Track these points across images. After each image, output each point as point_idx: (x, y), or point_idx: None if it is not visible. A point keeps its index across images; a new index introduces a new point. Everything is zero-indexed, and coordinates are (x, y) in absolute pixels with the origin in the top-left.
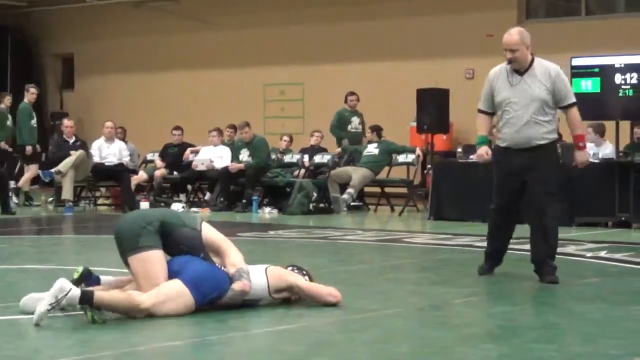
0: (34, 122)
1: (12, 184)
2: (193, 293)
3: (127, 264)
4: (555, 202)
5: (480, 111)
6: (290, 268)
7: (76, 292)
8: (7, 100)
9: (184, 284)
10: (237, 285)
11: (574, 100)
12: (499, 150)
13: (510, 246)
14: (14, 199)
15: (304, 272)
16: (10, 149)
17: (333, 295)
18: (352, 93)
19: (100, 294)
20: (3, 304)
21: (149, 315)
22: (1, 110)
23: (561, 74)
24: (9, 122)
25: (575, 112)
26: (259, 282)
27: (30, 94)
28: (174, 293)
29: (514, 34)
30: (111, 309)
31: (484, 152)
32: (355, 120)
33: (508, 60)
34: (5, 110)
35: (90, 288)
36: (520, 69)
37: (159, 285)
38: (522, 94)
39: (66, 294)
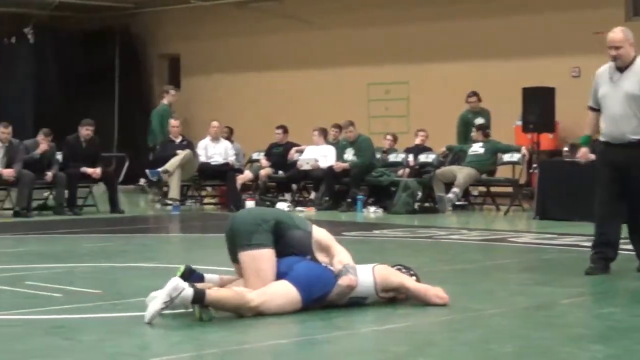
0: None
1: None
2: (300, 291)
3: (235, 260)
4: None
5: (589, 108)
6: (397, 267)
7: (189, 291)
8: (170, 95)
9: (291, 283)
10: (343, 281)
11: None
12: (600, 144)
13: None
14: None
15: (412, 272)
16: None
17: (440, 297)
18: (473, 93)
19: (211, 292)
20: (110, 302)
21: (257, 314)
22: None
23: None
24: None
25: None
26: (365, 279)
27: (171, 95)
28: (281, 291)
29: (618, 32)
30: (221, 307)
31: (582, 154)
32: (479, 121)
33: (612, 57)
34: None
35: (198, 286)
36: (622, 66)
37: (268, 284)
38: (619, 90)
39: (180, 293)
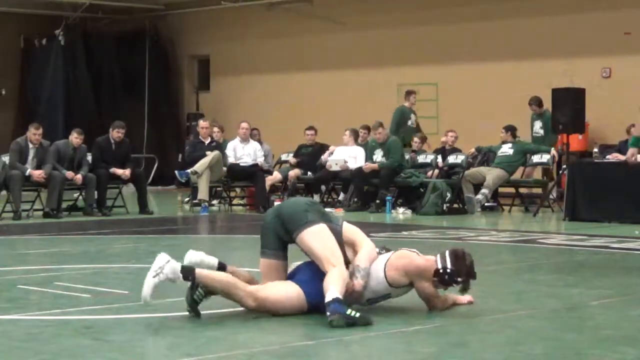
0: (410, 122)
1: None
2: (303, 289)
3: (269, 254)
4: None
5: None
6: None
7: (175, 262)
8: (413, 98)
9: (295, 283)
10: (347, 285)
11: None
12: None
13: None
14: None
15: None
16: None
17: (440, 300)
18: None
19: (200, 269)
20: (139, 302)
21: (257, 301)
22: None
23: None
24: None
25: None
26: (379, 277)
27: (413, 98)
28: (283, 285)
29: None
30: (213, 284)
31: (629, 155)
32: (538, 124)
33: None
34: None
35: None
36: None
37: (338, 255)
38: None
39: (167, 263)
